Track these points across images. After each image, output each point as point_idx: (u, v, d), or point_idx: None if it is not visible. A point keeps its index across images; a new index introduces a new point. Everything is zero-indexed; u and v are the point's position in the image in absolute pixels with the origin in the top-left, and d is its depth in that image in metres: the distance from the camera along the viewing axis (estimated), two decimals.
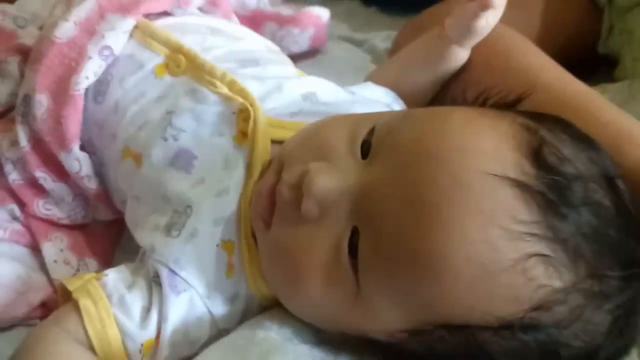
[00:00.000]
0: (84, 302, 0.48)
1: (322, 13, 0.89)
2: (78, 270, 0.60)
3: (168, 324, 0.48)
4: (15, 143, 0.62)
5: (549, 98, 0.60)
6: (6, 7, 0.69)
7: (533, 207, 0.39)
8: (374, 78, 0.69)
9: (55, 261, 0.59)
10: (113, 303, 0.48)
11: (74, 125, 0.59)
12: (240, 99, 0.54)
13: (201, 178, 0.52)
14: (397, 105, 0.65)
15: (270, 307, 0.51)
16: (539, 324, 0.40)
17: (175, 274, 0.49)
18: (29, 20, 0.68)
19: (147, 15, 0.63)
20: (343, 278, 0.43)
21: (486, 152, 0.41)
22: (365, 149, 0.46)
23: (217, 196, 0.51)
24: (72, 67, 0.59)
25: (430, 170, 0.41)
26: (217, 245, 0.50)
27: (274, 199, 0.47)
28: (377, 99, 0.63)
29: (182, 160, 0.54)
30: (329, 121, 0.51)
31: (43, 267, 0.59)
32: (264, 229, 0.47)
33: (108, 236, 0.63)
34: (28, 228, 0.62)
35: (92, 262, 0.61)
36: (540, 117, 0.46)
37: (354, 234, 0.43)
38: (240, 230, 0.50)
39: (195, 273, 0.49)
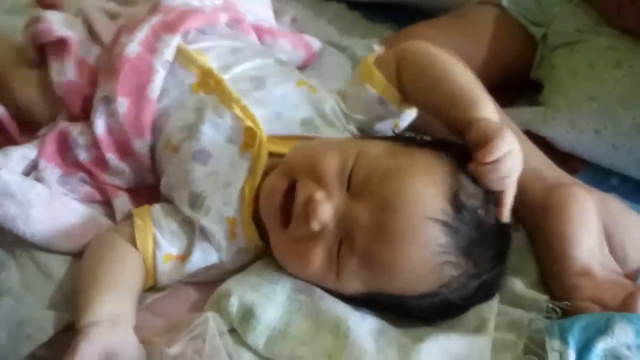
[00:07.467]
0: (137, 219, 0.70)
1: (314, 42, 1.01)
2: None
3: (192, 257, 0.69)
4: (84, 132, 0.77)
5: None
6: None
7: (448, 234, 0.62)
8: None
9: (122, 211, 0.76)
10: (154, 221, 0.71)
11: (149, 119, 0.76)
12: (249, 122, 0.72)
13: (214, 171, 0.71)
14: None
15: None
16: (441, 293, 0.64)
17: (202, 231, 0.70)
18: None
19: (187, 33, 0.80)
20: (332, 266, 0.65)
21: (425, 203, 0.62)
22: (350, 180, 0.65)
23: (224, 188, 0.70)
24: (145, 78, 0.76)
25: (391, 214, 0.62)
26: (225, 220, 0.70)
27: (285, 200, 0.66)
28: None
29: (201, 156, 0.72)
30: (323, 146, 0.69)
31: (110, 215, 0.76)
32: (280, 228, 0.67)
33: (154, 196, 0.77)
34: (98, 189, 0.78)
35: None
36: (463, 155, 0.66)
37: (340, 242, 0.65)
38: (242, 211, 0.70)
39: (211, 235, 0.70)
